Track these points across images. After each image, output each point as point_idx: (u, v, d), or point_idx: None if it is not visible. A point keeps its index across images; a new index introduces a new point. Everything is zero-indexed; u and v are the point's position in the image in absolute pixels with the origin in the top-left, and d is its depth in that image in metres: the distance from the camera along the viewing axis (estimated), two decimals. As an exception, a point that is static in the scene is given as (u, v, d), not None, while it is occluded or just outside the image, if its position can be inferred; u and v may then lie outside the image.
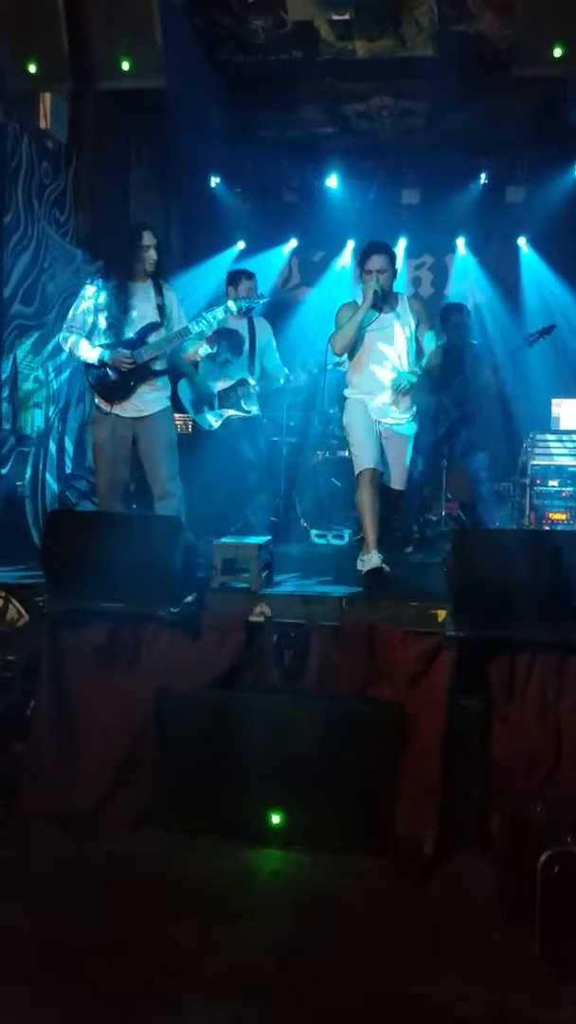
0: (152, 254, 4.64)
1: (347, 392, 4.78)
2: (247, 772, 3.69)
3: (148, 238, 4.64)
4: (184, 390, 5.86)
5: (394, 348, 4.64)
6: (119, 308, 4.60)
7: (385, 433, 4.68)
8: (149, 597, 3.89)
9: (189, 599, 3.99)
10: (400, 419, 4.70)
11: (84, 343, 4.60)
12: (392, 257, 4.68)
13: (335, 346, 4.71)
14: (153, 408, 4.69)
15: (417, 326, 4.70)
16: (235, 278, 5.87)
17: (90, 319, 4.62)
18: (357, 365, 4.69)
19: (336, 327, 4.67)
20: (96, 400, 4.69)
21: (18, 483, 5.39)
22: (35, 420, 5.92)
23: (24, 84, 4.82)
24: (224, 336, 5.74)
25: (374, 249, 4.62)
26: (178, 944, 2.94)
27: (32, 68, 4.65)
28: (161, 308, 4.68)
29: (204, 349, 4.95)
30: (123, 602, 3.92)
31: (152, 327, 4.65)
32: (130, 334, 4.62)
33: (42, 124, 6.05)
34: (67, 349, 4.71)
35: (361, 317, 4.55)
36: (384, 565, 4.45)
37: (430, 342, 4.71)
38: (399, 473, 4.77)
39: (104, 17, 4.56)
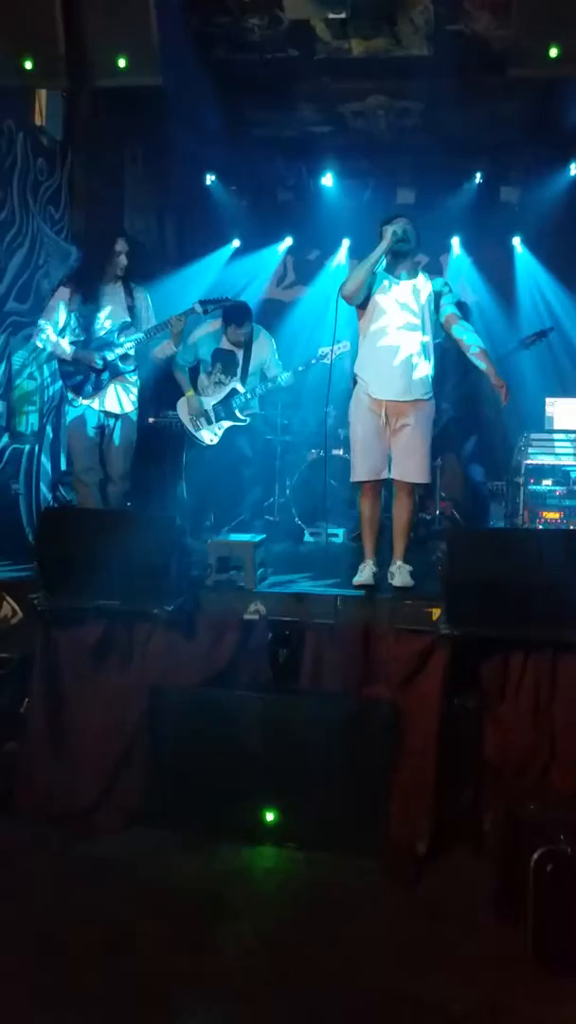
0: (123, 259, 4.95)
1: (356, 368, 4.44)
2: (241, 771, 3.69)
3: (120, 244, 4.96)
4: (182, 408, 5.92)
5: (405, 318, 4.31)
6: (91, 308, 4.88)
7: (393, 420, 4.30)
8: (143, 595, 3.89)
9: (183, 598, 3.99)
10: (412, 395, 4.28)
11: (58, 339, 4.85)
12: (415, 227, 4.39)
13: (344, 288, 4.34)
14: (122, 410, 4.96)
15: (438, 299, 4.38)
16: (228, 319, 5.83)
17: (63, 317, 4.86)
18: (364, 333, 4.41)
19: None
20: (68, 394, 4.95)
21: (12, 481, 5.38)
22: (29, 418, 5.91)
23: (20, 81, 4.80)
24: (218, 358, 5.90)
25: (396, 214, 4.42)
26: (172, 943, 2.95)
27: (28, 65, 4.64)
28: (131, 308, 4.97)
29: (170, 349, 5.13)
30: (117, 600, 3.92)
31: (123, 327, 4.92)
32: (101, 333, 4.89)
33: (37, 121, 6.02)
34: (40, 344, 4.96)
35: (377, 256, 4.25)
36: (372, 581, 4.25)
37: (462, 331, 4.41)
38: (415, 465, 4.33)
39: (100, 14, 4.54)
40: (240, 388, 5.83)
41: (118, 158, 7.36)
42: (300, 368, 5.93)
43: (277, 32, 5.73)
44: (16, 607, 4.21)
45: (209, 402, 5.83)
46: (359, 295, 4.34)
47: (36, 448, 5.51)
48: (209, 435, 5.85)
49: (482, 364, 4.40)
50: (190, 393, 5.83)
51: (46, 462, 6.05)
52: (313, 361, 5.83)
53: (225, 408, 5.84)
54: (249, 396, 5.86)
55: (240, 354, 5.91)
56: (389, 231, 4.27)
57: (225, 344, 5.90)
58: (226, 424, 5.83)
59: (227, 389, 5.84)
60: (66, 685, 3.98)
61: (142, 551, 3.92)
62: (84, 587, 3.92)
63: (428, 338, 4.38)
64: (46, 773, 3.86)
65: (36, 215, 6.03)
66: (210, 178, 8.32)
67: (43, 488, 5.64)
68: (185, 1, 5.15)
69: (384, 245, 4.26)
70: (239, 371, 5.90)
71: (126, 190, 7.51)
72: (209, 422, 5.83)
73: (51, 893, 3.24)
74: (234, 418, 5.84)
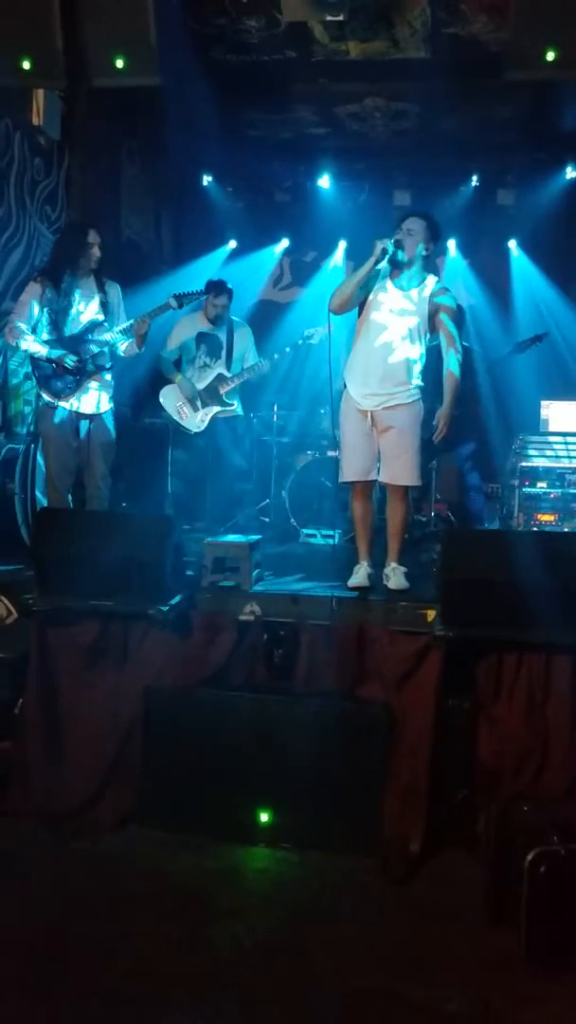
0: (96, 252, 4.84)
1: (345, 371, 4.44)
2: (235, 771, 3.70)
3: (93, 236, 4.83)
4: (168, 396, 5.95)
5: (399, 325, 4.26)
6: (64, 304, 4.78)
7: (379, 423, 4.30)
8: (139, 596, 3.89)
9: (179, 598, 3.99)
10: (394, 401, 4.26)
11: (31, 337, 4.74)
12: (430, 226, 4.30)
13: (331, 302, 4.33)
14: (97, 410, 4.87)
15: (431, 320, 4.30)
16: (209, 290, 5.96)
17: (35, 314, 4.76)
18: (356, 341, 4.39)
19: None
20: (42, 393, 4.83)
21: (8, 481, 5.38)
22: (25, 417, 5.90)
23: (18, 81, 4.81)
24: (201, 341, 5.98)
25: (411, 212, 4.37)
26: (165, 943, 2.94)
27: (26, 65, 4.65)
28: (105, 305, 4.88)
29: (134, 350, 4.98)
30: (113, 601, 3.92)
31: (96, 324, 4.84)
32: (74, 330, 4.80)
33: (35, 121, 6.02)
34: (13, 343, 4.83)
35: (363, 273, 4.18)
36: (367, 583, 4.27)
37: (453, 364, 4.32)
38: (402, 467, 4.30)
39: (99, 15, 4.56)
40: (226, 373, 5.87)
41: (115, 158, 7.37)
42: (287, 349, 5.96)
43: (274, 34, 5.74)
44: (11, 607, 4.21)
45: (197, 388, 5.88)
46: (346, 310, 4.35)
47: (32, 448, 5.49)
48: (196, 422, 5.91)
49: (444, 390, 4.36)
50: (179, 378, 5.89)
51: (41, 462, 6.04)
52: (300, 342, 5.87)
53: (211, 393, 5.87)
54: (234, 381, 5.89)
55: (223, 336, 5.97)
56: (379, 247, 4.17)
57: (204, 326, 5.97)
58: (213, 409, 5.88)
59: (213, 373, 5.89)
60: (61, 685, 3.98)
61: (137, 551, 3.93)
62: (79, 587, 3.92)
63: (421, 347, 4.35)
64: (40, 773, 3.86)
65: (33, 215, 6.04)
66: (207, 179, 8.34)
67: (38, 488, 5.62)
68: (183, 2, 5.16)
69: (371, 262, 4.18)
70: (223, 353, 5.95)
71: (123, 190, 7.52)
72: (195, 409, 5.87)
73: (44, 892, 3.24)
74: (221, 402, 5.88)
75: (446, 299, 4.36)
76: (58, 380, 4.79)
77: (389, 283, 4.34)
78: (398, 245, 4.23)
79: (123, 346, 4.93)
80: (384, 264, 4.25)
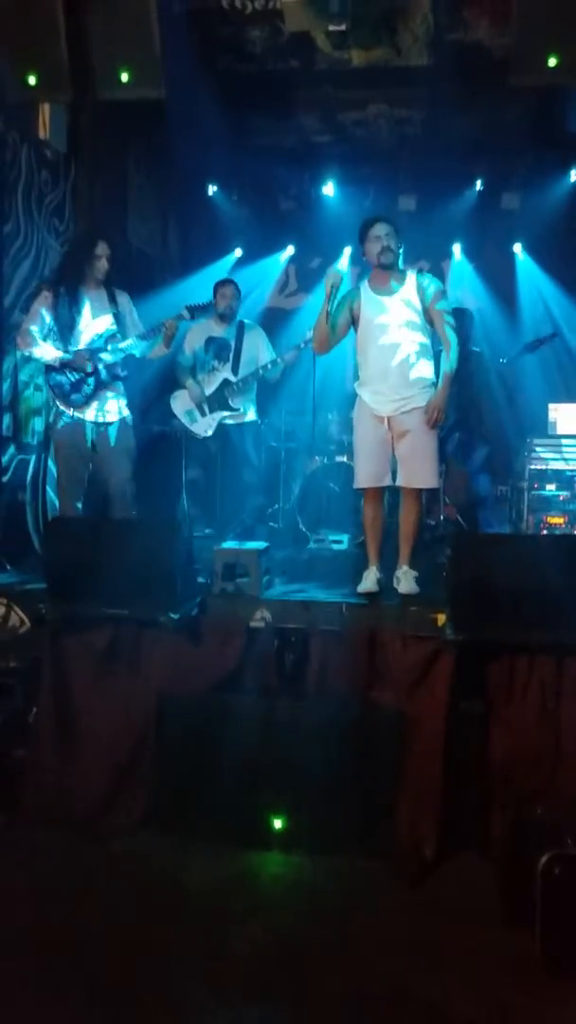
0: (104, 264, 4.84)
1: (356, 385, 4.47)
2: (248, 776, 3.71)
3: (101, 248, 4.83)
4: (178, 402, 6.00)
5: (397, 329, 4.30)
6: (72, 313, 4.78)
7: (396, 427, 4.32)
8: (150, 603, 3.92)
9: (190, 604, 4.01)
10: (411, 405, 4.28)
11: (43, 343, 4.75)
12: (395, 227, 4.35)
13: (313, 347, 4.49)
14: (113, 417, 4.86)
15: (425, 304, 4.32)
16: (215, 288, 6.09)
17: (47, 322, 4.77)
18: (360, 349, 4.43)
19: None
20: (56, 403, 4.84)
21: (19, 491, 5.41)
22: (35, 427, 5.94)
23: (24, 95, 4.86)
24: (211, 344, 6.02)
25: (374, 219, 4.38)
26: (179, 947, 2.96)
27: (32, 79, 4.70)
28: (116, 315, 4.88)
29: (162, 351, 5.01)
30: (124, 608, 3.95)
31: (108, 334, 4.84)
32: (86, 341, 4.80)
33: (41, 134, 6.05)
34: (26, 349, 4.84)
35: (325, 310, 4.27)
36: (377, 587, 4.28)
37: (449, 366, 4.29)
38: (421, 469, 4.32)
39: (104, 28, 4.61)
40: (232, 378, 5.93)
41: (121, 169, 7.40)
42: (287, 355, 6.00)
43: (278, 43, 5.76)
44: (24, 617, 4.24)
45: (206, 392, 5.96)
46: (329, 347, 4.43)
47: (43, 457, 5.53)
48: (203, 427, 5.96)
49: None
50: (190, 382, 5.96)
51: (53, 470, 6.08)
52: (302, 344, 5.90)
53: (218, 399, 5.93)
54: (241, 385, 5.94)
55: (231, 339, 6.03)
56: (328, 283, 4.24)
57: (214, 331, 6.04)
58: (220, 415, 5.93)
59: (220, 378, 5.95)
60: (74, 692, 4.01)
61: (148, 559, 3.95)
62: (91, 595, 3.95)
63: (426, 339, 4.36)
64: (54, 779, 3.89)
65: (41, 227, 6.07)
66: (212, 188, 8.36)
67: (51, 494, 5.66)
68: (187, 14, 5.20)
69: (327, 296, 4.24)
70: (231, 356, 6.00)
71: (129, 200, 7.55)
72: (203, 414, 5.94)
73: (58, 897, 3.26)
74: (227, 407, 5.93)
75: (431, 284, 4.36)
76: (72, 389, 4.79)
77: (372, 292, 4.36)
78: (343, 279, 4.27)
79: (152, 351, 4.94)
80: (343, 289, 4.30)
